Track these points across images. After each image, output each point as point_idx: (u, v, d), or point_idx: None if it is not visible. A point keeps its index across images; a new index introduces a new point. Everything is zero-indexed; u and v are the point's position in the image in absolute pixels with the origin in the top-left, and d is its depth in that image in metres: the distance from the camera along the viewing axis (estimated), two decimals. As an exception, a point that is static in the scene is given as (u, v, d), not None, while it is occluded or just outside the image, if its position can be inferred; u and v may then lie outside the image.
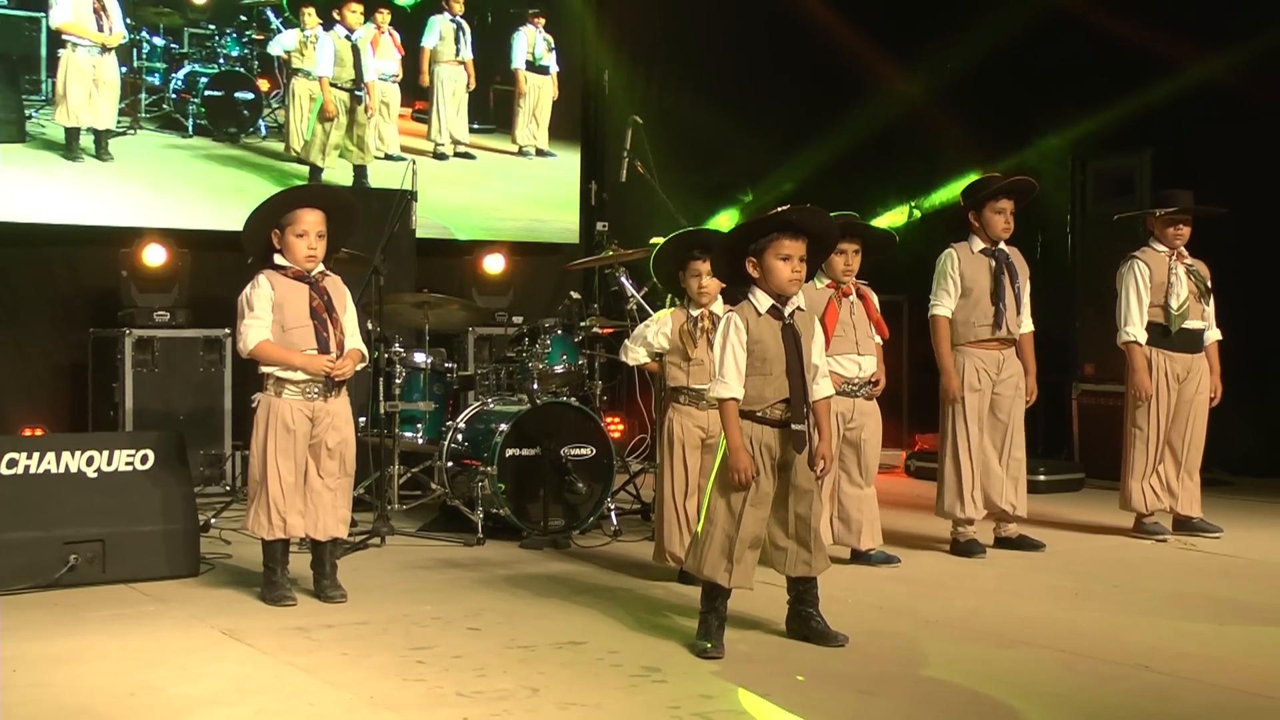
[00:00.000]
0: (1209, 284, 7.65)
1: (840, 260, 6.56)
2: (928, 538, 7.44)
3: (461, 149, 11.06)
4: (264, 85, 10.39)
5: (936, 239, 7.55)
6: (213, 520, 7.53)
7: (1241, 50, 9.75)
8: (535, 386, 7.62)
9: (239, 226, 6.00)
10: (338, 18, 10.35)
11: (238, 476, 8.88)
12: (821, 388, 5.24)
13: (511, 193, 11.29)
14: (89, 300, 9.56)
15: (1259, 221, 9.57)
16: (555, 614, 5.67)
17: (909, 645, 5.15)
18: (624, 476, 8.34)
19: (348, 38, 10.39)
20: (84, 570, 6.10)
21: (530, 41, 11.32)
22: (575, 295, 8.39)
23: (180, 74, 10.11)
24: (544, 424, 7.49)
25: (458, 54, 11.00)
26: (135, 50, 9.92)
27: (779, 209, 5.12)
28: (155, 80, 10.05)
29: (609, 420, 9.10)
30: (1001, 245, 7.17)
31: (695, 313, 6.31)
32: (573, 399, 7.77)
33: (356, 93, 10.46)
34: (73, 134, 9.61)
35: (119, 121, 9.78)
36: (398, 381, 7.80)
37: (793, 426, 5.06)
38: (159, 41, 10.03)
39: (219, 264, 9.10)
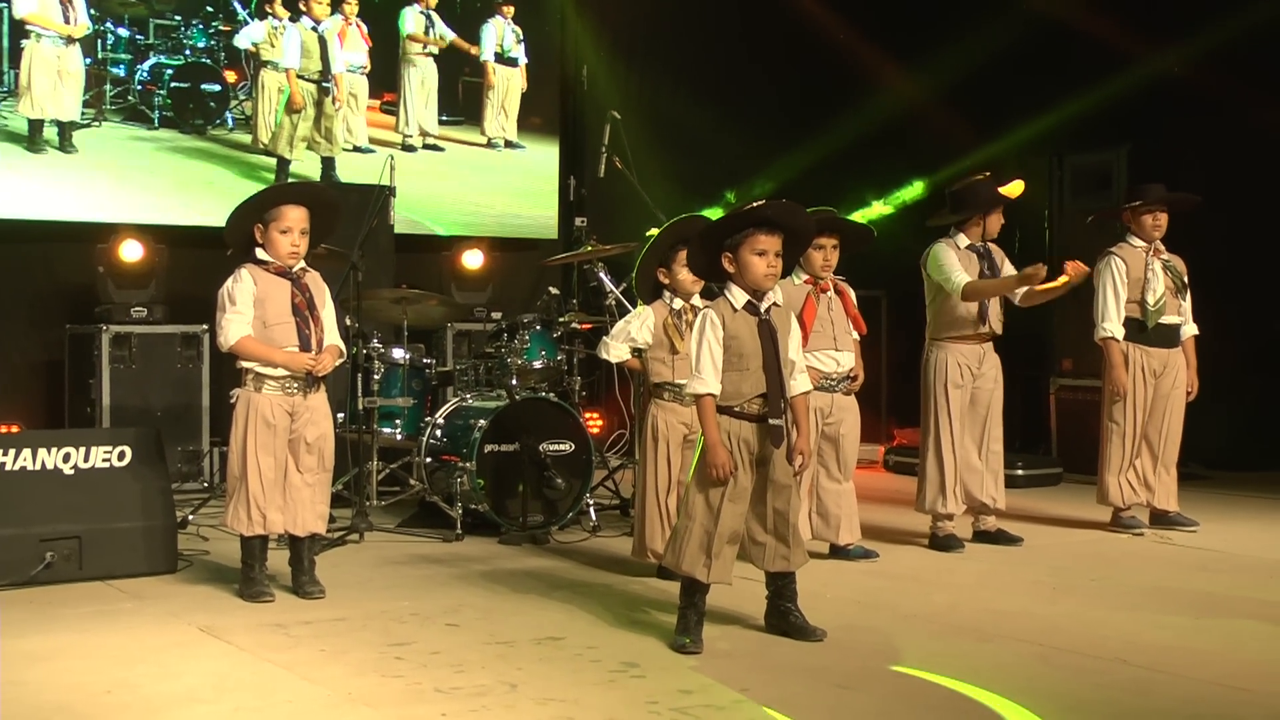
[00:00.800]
0: (1186, 279, 7.67)
1: (819, 256, 6.57)
2: (906, 532, 7.45)
3: (430, 141, 10.99)
4: (231, 77, 10.29)
5: (916, 234, 7.55)
6: (190, 517, 7.50)
7: (1216, 43, 9.77)
8: (514, 382, 7.61)
9: (213, 221, 5.98)
10: (304, 9, 10.27)
11: (216, 472, 8.87)
12: (799, 383, 5.23)
13: (490, 187, 11.24)
14: (65, 296, 9.50)
15: (1236, 216, 9.60)
16: (534, 609, 5.66)
17: (887, 640, 5.16)
18: (603, 472, 8.33)
19: (314, 29, 10.30)
20: (61, 567, 6.08)
21: (499, 33, 11.24)
22: (554, 291, 8.37)
23: (146, 65, 10.00)
24: (523, 419, 7.47)
25: (428, 46, 10.94)
26: (100, 41, 9.81)
27: (755, 204, 5.12)
28: (120, 72, 9.94)
29: (588, 416, 9.09)
30: (986, 242, 7.22)
31: (678, 306, 6.30)
32: (551, 394, 7.76)
33: (324, 84, 10.37)
34: (36, 126, 9.52)
35: (83, 113, 9.68)
36: (376, 377, 7.80)
37: (770, 421, 5.06)
38: (124, 32, 9.92)
39: (196, 260, 9.04)
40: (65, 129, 9.63)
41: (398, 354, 8.04)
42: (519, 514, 7.38)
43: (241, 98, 10.35)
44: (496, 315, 9.89)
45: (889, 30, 11.45)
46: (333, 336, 6.00)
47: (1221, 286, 8.85)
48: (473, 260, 10.43)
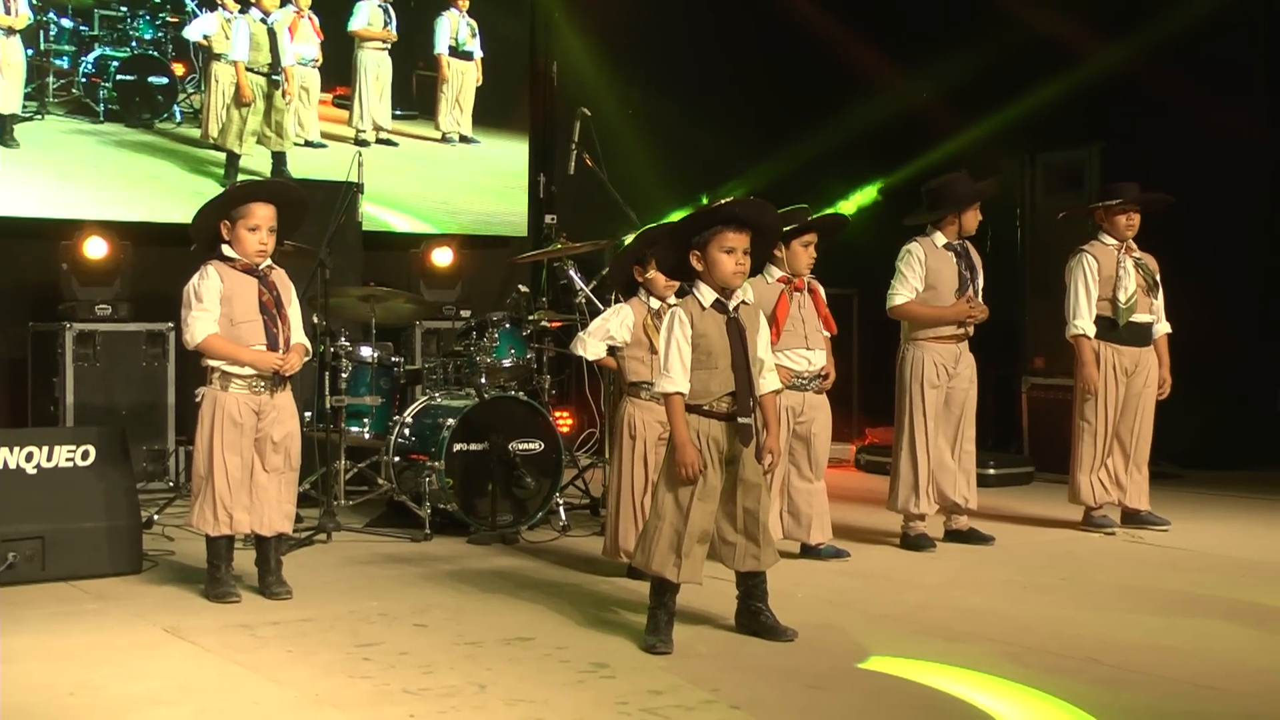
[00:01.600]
0: (1157, 277, 7.68)
1: (805, 254, 6.58)
2: (877, 532, 7.44)
3: (384, 135, 10.86)
4: (179, 70, 10.12)
5: (888, 233, 7.53)
6: (156, 516, 7.45)
7: (1190, 42, 9.82)
8: (483, 381, 7.57)
9: (160, 217, 5.92)
10: (253, 1, 10.13)
11: (181, 472, 8.80)
12: (768, 381, 5.22)
13: (458, 184, 11.16)
14: (28, 294, 9.40)
15: (1208, 214, 9.63)
16: (503, 610, 5.64)
17: (858, 640, 5.15)
18: (573, 471, 8.30)
19: (264, 21, 10.15)
20: (23, 568, 6.02)
21: (453, 26, 11.11)
22: (523, 288, 8.33)
23: (90, 57, 9.82)
24: (492, 418, 7.44)
25: (385, 30, 10.80)
26: (42, 32, 9.63)
27: (723, 201, 5.10)
28: (64, 64, 9.75)
29: (557, 415, 9.07)
30: (963, 240, 7.21)
31: (655, 305, 6.28)
32: (521, 393, 7.73)
33: (274, 78, 10.19)
34: (-24, 119, 9.38)
35: (25, 106, 9.52)
36: (344, 376, 7.76)
37: (739, 420, 5.04)
38: (67, 23, 9.75)
39: (161, 257, 8.97)
40: (6, 122, 9.44)
41: (365, 352, 7.99)
42: (488, 513, 7.35)
43: (190, 91, 10.17)
44: (465, 313, 9.84)
45: (867, 31, 11.43)
46: (299, 335, 5.97)
47: (1194, 284, 8.86)
48: (442, 258, 10.37)
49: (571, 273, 7.94)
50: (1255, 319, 10.39)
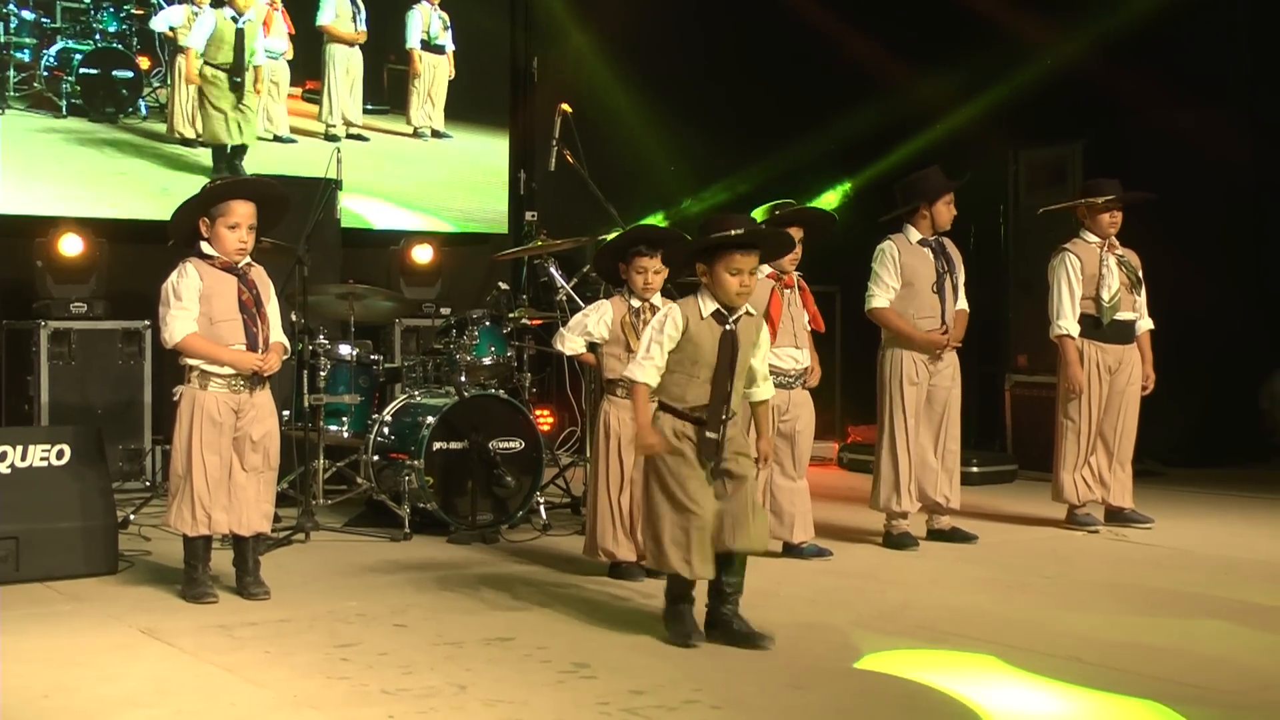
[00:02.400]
0: (1140, 274, 7.68)
1: None
2: (860, 530, 7.43)
3: (354, 130, 10.74)
4: (144, 63, 9.97)
5: (870, 229, 7.51)
6: (132, 516, 7.40)
7: (1168, 39, 9.82)
8: (463, 379, 7.53)
9: (137, 214, 5.85)
10: (228, 0, 10.02)
11: (158, 472, 8.75)
12: (762, 390, 5.24)
13: (437, 181, 11.09)
14: (1, 291, 9.32)
15: (1190, 211, 9.63)
16: (483, 610, 5.62)
17: (841, 639, 5.13)
18: (553, 470, 8.26)
19: (234, 19, 10.03)
20: (-3, 568, 5.98)
21: (425, 19, 11.00)
22: (504, 286, 8.30)
23: (52, 50, 9.67)
24: (472, 417, 7.40)
25: (354, 31, 10.68)
26: (2, 24, 9.51)
27: (738, 232, 5.00)
28: (25, 57, 9.61)
29: (538, 413, 9.03)
30: (940, 237, 7.18)
31: (636, 304, 6.27)
32: (501, 391, 7.70)
33: (235, 79, 10.03)
34: (-67, 113, 9.27)
35: (-16, 100, 9.43)
36: (322, 374, 7.70)
37: (706, 434, 5.01)
38: (28, 15, 9.59)
39: (136, 255, 8.91)
40: (-36, 116, 9.34)
41: (344, 350, 7.94)
42: (468, 513, 7.31)
43: (156, 85, 10.04)
44: (445, 311, 9.77)
45: (853, 29, 11.39)
46: (278, 333, 5.94)
47: (1176, 281, 8.87)
48: (422, 255, 10.30)
49: (552, 270, 7.90)
50: (1237, 316, 10.40)
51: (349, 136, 10.66)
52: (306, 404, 7.59)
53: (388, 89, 10.95)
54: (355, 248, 10.04)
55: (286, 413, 7.53)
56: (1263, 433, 10.93)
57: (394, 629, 5.26)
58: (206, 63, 10.01)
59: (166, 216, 5.99)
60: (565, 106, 8.02)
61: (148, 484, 8.72)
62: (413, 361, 8.25)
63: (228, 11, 10.04)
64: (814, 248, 6.78)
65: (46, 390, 8.65)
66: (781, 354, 6.56)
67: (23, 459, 6.19)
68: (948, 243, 7.24)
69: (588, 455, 6.70)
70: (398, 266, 10.28)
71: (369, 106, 10.83)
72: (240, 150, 10.16)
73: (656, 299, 6.25)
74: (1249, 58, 10.57)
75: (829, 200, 11.86)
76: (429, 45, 11.04)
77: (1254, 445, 10.67)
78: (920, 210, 7.15)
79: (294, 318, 7.33)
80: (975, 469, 9.35)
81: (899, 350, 7.13)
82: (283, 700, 4.33)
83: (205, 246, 5.78)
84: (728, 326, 5.03)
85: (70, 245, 8.91)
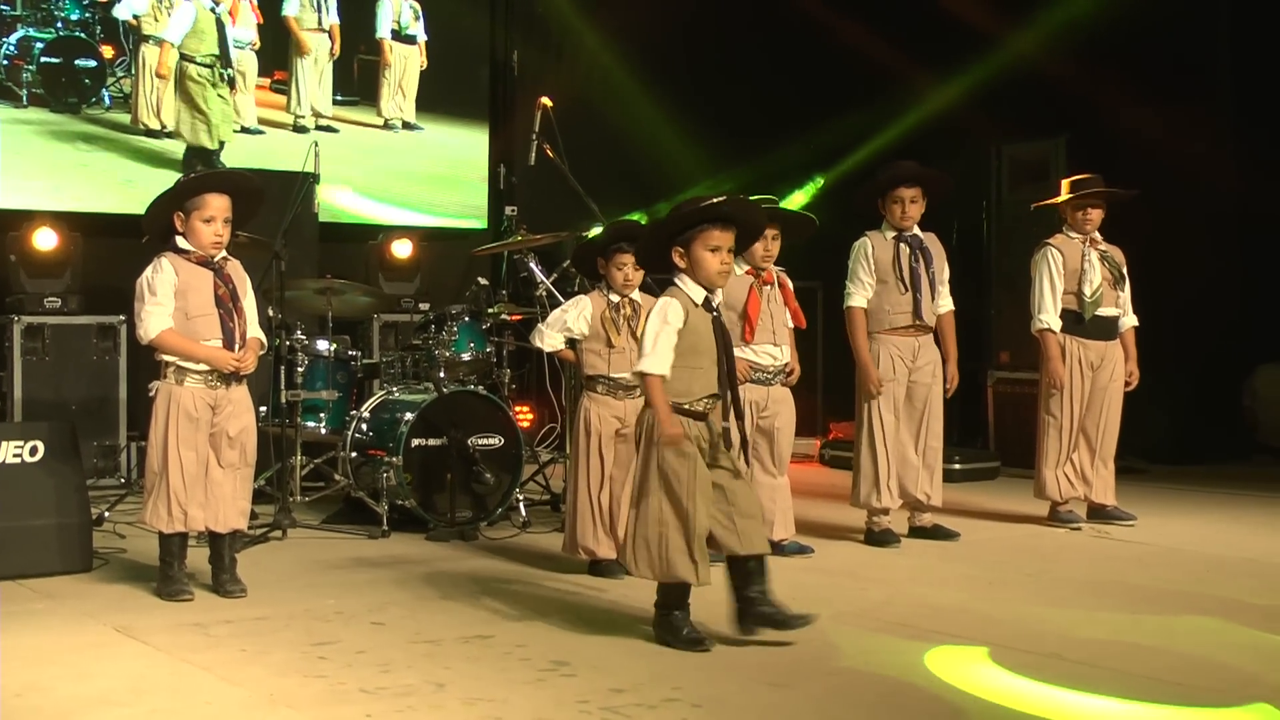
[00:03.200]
0: (1124, 270, 7.67)
1: (759, 246, 6.50)
2: (842, 527, 7.41)
3: (323, 122, 10.63)
4: (108, 52, 9.80)
5: (856, 222, 7.48)
6: (107, 514, 7.36)
7: (1151, 35, 9.82)
8: (442, 375, 7.51)
9: (106, 208, 5.78)
10: None
11: (133, 468, 8.71)
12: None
13: (415, 174, 11.02)
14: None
15: (1173, 207, 9.63)
16: (462, 607, 5.60)
17: (822, 636, 5.10)
18: (533, 467, 8.25)
19: (212, 10, 9.92)
20: (-30, 567, 5.94)
21: (396, 9, 10.89)
22: (483, 281, 8.26)
23: (12, 39, 9.51)
24: (451, 413, 7.37)
25: (320, 22, 10.54)
26: (-40, 13, 9.43)
27: (713, 200, 4.99)
28: (-16, 45, 9.51)
29: (518, 409, 9.00)
30: (916, 231, 7.14)
31: (615, 299, 6.24)
32: (480, 387, 7.67)
33: (224, 71, 9.94)
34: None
35: (-59, 91, 9.30)
36: (300, 370, 7.67)
37: (723, 424, 4.99)
38: None
39: (111, 249, 8.85)
40: (-80, 106, 9.24)
41: (322, 346, 7.91)
42: (447, 510, 7.28)
43: (120, 74, 9.88)
44: (424, 306, 9.75)
45: (837, 27, 11.37)
46: (254, 329, 5.91)
47: (1159, 278, 8.87)
48: (401, 250, 10.26)
49: (532, 265, 7.88)
50: (1221, 313, 10.41)
51: (318, 128, 10.53)
52: (284, 400, 7.54)
53: (358, 80, 10.84)
54: (333, 242, 9.98)
55: (264, 409, 7.51)
56: (1245, 429, 10.96)
57: (372, 627, 5.24)
58: (184, 56, 9.89)
59: (132, 209, 5.96)
60: (546, 100, 7.98)
61: (123, 480, 8.71)
62: (391, 357, 8.21)
63: (206, 1, 9.94)
64: (795, 242, 6.76)
65: (20, 386, 8.60)
66: (760, 351, 6.53)
67: (-5, 455, 6.16)
68: (929, 239, 7.20)
69: (567, 452, 6.67)
70: (376, 261, 10.24)
71: (339, 98, 10.72)
72: (221, 145, 10.07)
73: (636, 295, 6.23)
74: (1231, 53, 10.57)
75: (799, 200, 11.85)
76: (400, 35, 10.92)
77: (1237, 442, 10.68)
78: (891, 207, 7.11)
79: (271, 313, 7.30)
80: (957, 466, 9.33)
81: (876, 345, 7.10)
82: (259, 699, 4.31)
83: (180, 241, 5.75)
84: (715, 313, 5.00)
85: (44, 239, 8.85)
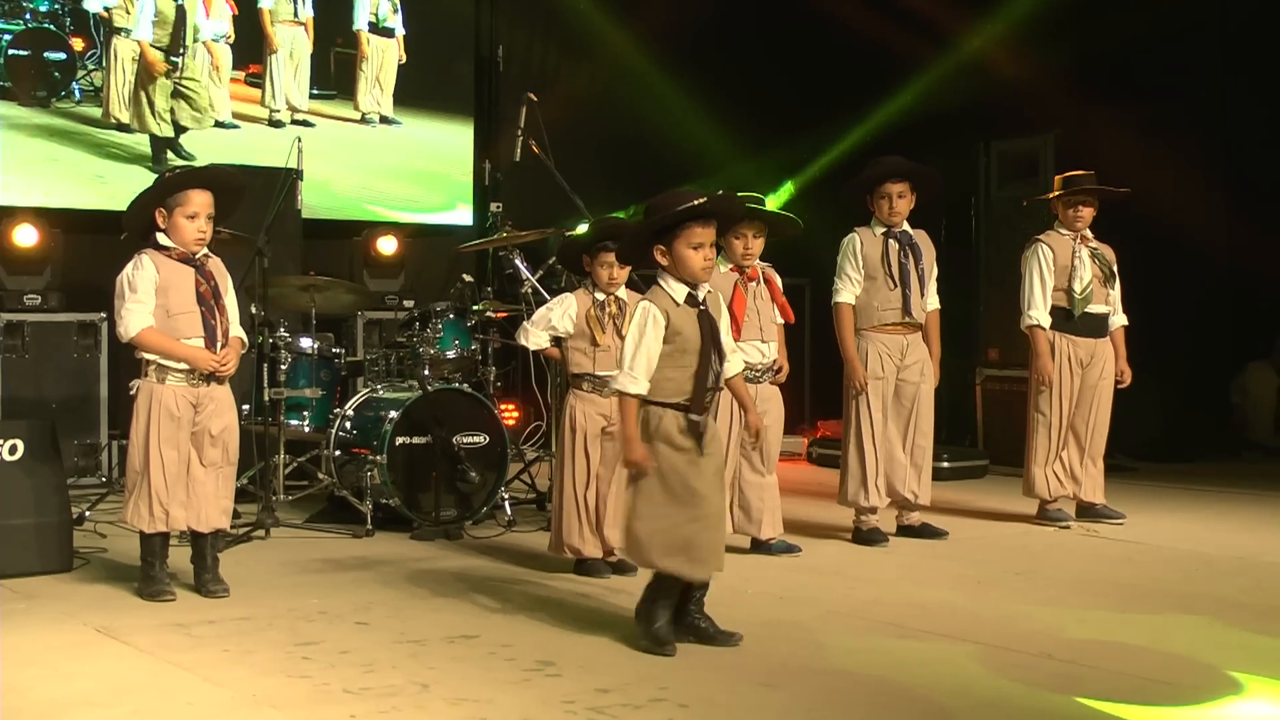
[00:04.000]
0: (1114, 268, 7.66)
1: (739, 244, 6.49)
2: (829, 526, 7.40)
3: (299, 116, 10.54)
4: (78, 45, 9.70)
5: (846, 218, 7.46)
6: (87, 513, 7.31)
7: (1142, 33, 9.82)
8: (426, 372, 7.48)
9: (74, 203, 5.72)
10: None
11: (114, 467, 8.68)
12: (734, 364, 5.16)
13: (400, 170, 10.96)
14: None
15: (1162, 204, 9.61)
16: (447, 607, 5.58)
17: (810, 636, 5.11)
18: (519, 465, 8.22)
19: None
20: (-52, 566, 5.91)
21: (373, 1, 10.82)
22: (468, 278, 8.24)
23: None
24: (435, 411, 7.34)
25: (296, 14, 10.44)
26: (-75, 4, 9.32)
27: (695, 203, 4.95)
28: (-51, 38, 9.39)
29: (503, 407, 8.95)
30: (905, 228, 7.11)
31: (600, 297, 6.22)
32: (465, 385, 7.65)
33: (172, 59, 9.79)
34: None
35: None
36: (283, 367, 7.64)
37: (690, 416, 4.93)
38: None
39: (92, 245, 8.80)
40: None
41: (305, 343, 7.88)
42: (431, 509, 7.26)
43: (90, 67, 9.77)
44: (409, 303, 9.72)
45: (827, 25, 11.37)
46: (236, 327, 5.89)
47: (1148, 275, 8.86)
48: (386, 246, 10.22)
49: (517, 262, 7.84)
50: (1209, 311, 10.42)
51: (294, 122, 10.44)
52: (267, 398, 7.52)
53: (334, 73, 10.75)
54: (317, 238, 9.93)
55: (246, 407, 7.45)
56: (1234, 427, 10.98)
57: (356, 627, 5.22)
58: (152, 45, 9.77)
59: (106, 205, 5.91)
60: (531, 96, 7.95)
61: (104, 479, 8.67)
62: (375, 355, 8.18)
63: None
64: (782, 239, 6.73)
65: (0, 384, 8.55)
66: (747, 347, 6.50)
67: (-25, 454, 6.13)
68: (919, 235, 7.17)
69: (553, 450, 6.64)
70: (360, 258, 10.21)
71: (315, 91, 10.63)
72: (179, 131, 9.91)
73: (621, 292, 6.22)
74: (1221, 50, 10.58)
75: (774, 203, 11.84)
76: (377, 28, 10.82)
77: (1226, 440, 10.69)
78: (879, 203, 7.09)
79: (254, 310, 7.27)
80: (946, 464, 9.31)
81: (864, 343, 7.08)
82: (242, 700, 4.29)
83: (162, 238, 5.71)
84: (701, 307, 4.97)
85: (25, 236, 8.80)
